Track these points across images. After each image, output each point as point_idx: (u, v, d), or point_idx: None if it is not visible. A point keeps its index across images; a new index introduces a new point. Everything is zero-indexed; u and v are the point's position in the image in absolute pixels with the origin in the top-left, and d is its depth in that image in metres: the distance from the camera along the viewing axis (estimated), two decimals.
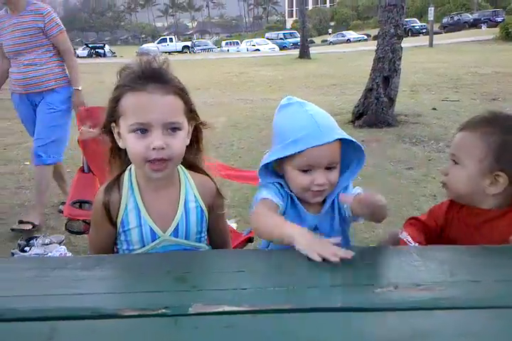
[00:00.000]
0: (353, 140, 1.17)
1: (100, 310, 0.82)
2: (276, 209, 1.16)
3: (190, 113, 1.21)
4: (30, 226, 3.25)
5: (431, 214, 1.32)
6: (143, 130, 1.12)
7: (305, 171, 1.15)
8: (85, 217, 1.92)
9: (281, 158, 1.17)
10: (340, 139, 1.15)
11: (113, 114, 1.17)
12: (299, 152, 1.12)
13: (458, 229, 1.24)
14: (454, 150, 1.23)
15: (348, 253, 0.91)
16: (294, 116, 1.17)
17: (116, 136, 1.20)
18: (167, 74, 1.16)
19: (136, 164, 1.19)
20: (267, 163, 1.21)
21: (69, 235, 2.92)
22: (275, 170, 1.23)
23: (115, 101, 1.16)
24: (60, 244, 2.95)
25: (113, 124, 1.19)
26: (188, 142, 1.22)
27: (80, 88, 3.43)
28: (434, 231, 1.29)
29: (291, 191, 1.22)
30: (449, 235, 1.26)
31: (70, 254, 2.80)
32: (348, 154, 1.21)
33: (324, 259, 0.92)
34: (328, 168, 1.15)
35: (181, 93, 1.17)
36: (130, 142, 1.14)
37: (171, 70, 1.19)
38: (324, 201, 1.23)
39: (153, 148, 1.11)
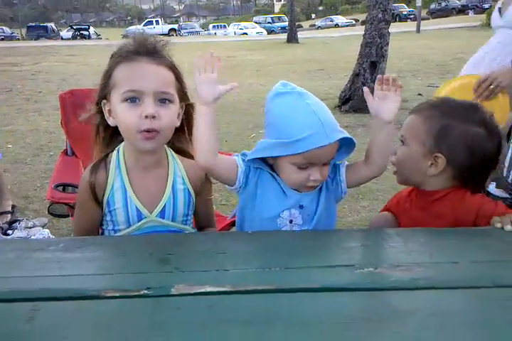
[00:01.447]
0: (353, 139, 1.13)
1: (82, 291, 0.82)
2: (231, 167, 1.14)
3: (181, 92, 1.22)
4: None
5: (392, 201, 1.39)
6: (134, 99, 1.12)
7: (302, 168, 1.11)
8: (69, 200, 1.90)
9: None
10: None
11: (105, 89, 1.18)
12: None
13: (410, 212, 1.27)
14: (402, 131, 1.28)
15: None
16: (296, 111, 1.10)
17: (106, 114, 1.19)
18: (157, 47, 1.18)
19: (128, 135, 1.17)
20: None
21: (52, 218, 2.90)
22: (267, 160, 1.17)
23: (108, 74, 1.17)
24: (43, 227, 2.92)
25: (104, 101, 1.19)
26: (178, 123, 1.22)
27: None
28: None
29: (273, 170, 1.17)
30: (404, 219, 1.29)
31: (54, 237, 2.79)
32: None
33: None
34: (324, 164, 1.13)
35: (174, 69, 1.19)
36: (121, 112, 1.13)
37: (167, 50, 1.21)
38: None
39: (146, 116, 1.11)
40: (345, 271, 0.88)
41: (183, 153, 1.31)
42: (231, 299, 0.80)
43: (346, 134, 1.11)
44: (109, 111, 1.19)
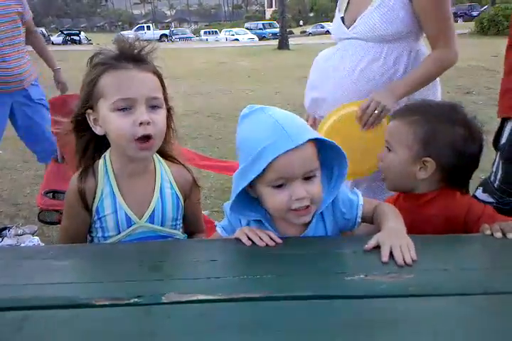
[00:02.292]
0: (328, 140, 1.01)
1: (72, 299, 0.82)
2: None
3: (164, 96, 1.21)
4: None
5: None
6: (125, 108, 1.11)
7: (279, 186, 0.99)
8: (59, 207, 1.89)
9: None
10: (315, 143, 1.00)
11: (89, 99, 1.16)
12: (268, 164, 0.95)
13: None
14: (387, 137, 1.29)
15: (273, 242, 1.00)
16: (258, 125, 1.00)
17: (91, 123, 1.18)
18: (141, 53, 1.17)
19: (122, 143, 1.14)
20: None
21: (42, 226, 2.88)
22: (248, 192, 1.06)
23: (92, 84, 1.14)
24: (33, 234, 2.91)
25: (89, 111, 1.17)
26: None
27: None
28: None
29: (268, 213, 1.10)
30: None
31: (44, 245, 2.77)
32: (329, 161, 1.07)
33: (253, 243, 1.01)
34: (307, 179, 0.99)
35: (158, 74, 1.19)
36: (114, 121, 1.12)
37: (152, 56, 1.19)
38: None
39: (140, 123, 1.10)
40: (336, 278, 0.88)
41: (167, 156, 1.31)
42: (222, 307, 0.80)
43: (316, 135, 0.99)
44: (95, 120, 1.17)
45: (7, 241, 2.78)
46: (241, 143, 1.04)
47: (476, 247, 1.03)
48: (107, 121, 1.13)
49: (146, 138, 1.12)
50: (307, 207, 1.01)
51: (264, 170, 0.96)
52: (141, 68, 1.14)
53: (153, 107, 1.14)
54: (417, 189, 1.27)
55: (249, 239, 1.02)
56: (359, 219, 1.14)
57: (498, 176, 1.47)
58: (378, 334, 0.72)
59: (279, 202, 1.00)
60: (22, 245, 2.74)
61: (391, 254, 0.93)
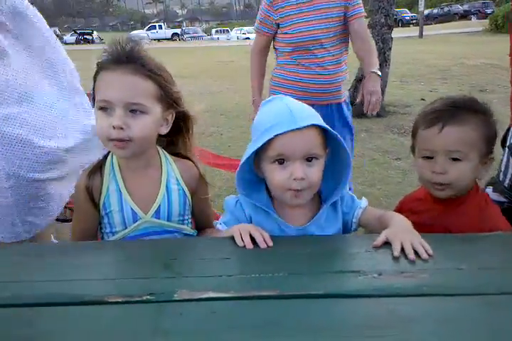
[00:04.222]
0: (330, 129, 1.06)
1: (84, 296, 0.82)
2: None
3: (168, 99, 1.20)
4: None
5: (402, 207, 1.35)
6: (106, 108, 1.14)
7: (281, 163, 1.05)
8: (71, 205, 1.90)
9: (259, 156, 1.08)
10: (323, 132, 1.06)
11: (94, 94, 1.19)
12: (270, 140, 1.02)
13: (428, 218, 1.24)
14: (457, 147, 1.17)
15: (266, 243, 1.00)
16: (270, 110, 1.09)
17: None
18: (137, 55, 1.16)
19: (102, 141, 1.19)
20: (248, 169, 1.13)
21: (55, 223, 2.89)
22: (256, 172, 1.14)
23: (94, 81, 1.18)
24: None
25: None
26: (163, 131, 1.23)
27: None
28: None
29: (271, 197, 1.15)
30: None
31: (57, 242, 2.79)
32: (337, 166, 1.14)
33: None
34: (308, 161, 1.05)
35: (153, 75, 1.16)
36: (97, 120, 1.17)
37: (145, 53, 1.18)
38: (312, 211, 1.15)
39: (113, 127, 1.12)
40: (349, 278, 0.87)
41: (178, 155, 1.33)
42: (234, 305, 0.80)
43: (320, 122, 1.04)
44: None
45: None
46: (254, 125, 1.11)
47: (491, 246, 1.02)
48: (95, 117, 1.18)
49: (120, 140, 1.14)
50: (301, 191, 1.06)
51: (268, 147, 1.04)
52: (131, 71, 1.13)
53: (134, 112, 1.14)
54: (469, 188, 1.24)
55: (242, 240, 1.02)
56: (355, 220, 1.17)
57: (508, 175, 1.46)
58: (391, 334, 0.71)
59: (279, 179, 1.06)
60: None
61: (402, 250, 0.92)
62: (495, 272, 0.89)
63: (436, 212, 1.23)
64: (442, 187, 1.19)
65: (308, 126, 1.02)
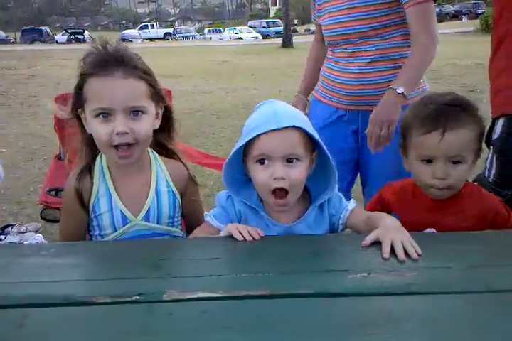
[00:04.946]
0: (311, 132, 1.06)
1: (73, 297, 0.81)
2: (216, 233, 1.13)
3: (157, 95, 1.21)
4: None
5: (391, 191, 1.34)
6: (105, 114, 1.12)
7: (262, 163, 1.06)
8: (61, 205, 1.89)
9: (246, 156, 1.11)
10: (308, 137, 1.07)
11: (78, 100, 1.18)
12: (254, 140, 1.05)
13: (415, 213, 1.24)
14: (458, 151, 1.16)
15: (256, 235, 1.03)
16: (259, 113, 1.11)
17: (84, 121, 1.20)
18: (126, 57, 1.16)
19: (102, 149, 1.19)
20: (238, 168, 1.14)
21: (45, 223, 2.88)
22: (246, 172, 1.15)
23: (79, 87, 1.16)
24: (36, 232, 2.91)
25: (80, 110, 1.20)
26: (157, 126, 1.23)
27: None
28: (384, 207, 1.32)
29: (260, 200, 1.16)
30: (405, 217, 1.28)
31: (47, 243, 2.77)
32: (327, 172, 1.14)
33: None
34: (289, 162, 1.06)
35: (144, 76, 1.17)
36: (95, 127, 1.15)
37: (130, 53, 1.18)
38: (302, 209, 1.16)
39: (117, 133, 1.11)
40: (338, 276, 0.87)
41: (167, 151, 1.32)
42: (224, 305, 0.80)
43: (301, 125, 1.05)
44: (86, 119, 1.19)
45: (10, 238, 2.78)
46: (244, 127, 1.13)
47: (479, 245, 1.02)
48: (90, 125, 1.16)
49: (124, 145, 1.13)
50: (286, 193, 1.07)
51: (252, 147, 1.07)
52: (124, 74, 1.13)
53: (136, 114, 1.14)
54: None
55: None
56: (342, 221, 1.17)
57: (493, 171, 1.49)
58: (381, 332, 0.71)
59: (260, 178, 1.08)
60: (25, 243, 2.75)
61: (392, 250, 0.93)
62: (483, 270, 0.90)
63: (434, 212, 1.24)
64: (442, 190, 1.19)
65: (289, 127, 1.04)
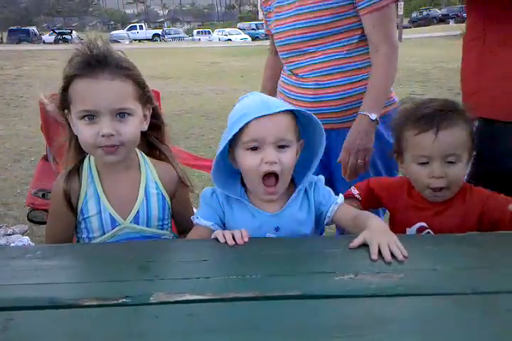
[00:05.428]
0: (303, 110, 1.10)
1: (59, 299, 0.81)
2: (208, 233, 1.14)
3: (144, 97, 1.20)
4: None
5: (382, 185, 1.35)
6: (91, 116, 1.11)
7: (253, 149, 1.07)
8: (48, 207, 1.87)
9: (233, 145, 1.11)
10: (296, 119, 1.11)
11: (64, 102, 1.16)
12: (244, 127, 1.05)
13: (411, 212, 1.26)
14: (453, 150, 1.17)
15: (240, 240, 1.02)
16: (245, 101, 1.13)
17: (71, 122, 1.19)
18: (112, 59, 1.14)
19: (89, 151, 1.18)
20: (223, 162, 1.15)
21: (32, 225, 2.85)
22: (231, 163, 1.16)
23: (64, 88, 1.15)
24: (23, 234, 2.88)
25: (66, 111, 1.18)
26: (145, 128, 1.22)
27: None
28: (374, 200, 1.34)
29: (244, 191, 1.17)
30: (398, 216, 1.29)
31: (33, 245, 2.74)
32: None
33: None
34: (280, 148, 1.07)
35: (131, 76, 1.16)
36: (80, 129, 1.14)
37: (116, 53, 1.17)
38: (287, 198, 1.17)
39: (102, 135, 1.11)
40: (326, 278, 0.87)
41: (157, 152, 1.31)
42: (211, 307, 0.80)
43: (293, 107, 1.11)
44: (72, 119, 1.17)
45: None
46: (228, 118, 1.13)
47: (464, 247, 1.03)
48: (75, 127, 1.16)
49: (110, 146, 1.12)
50: (276, 179, 1.08)
51: (241, 134, 1.06)
52: (110, 76, 1.11)
53: (122, 116, 1.13)
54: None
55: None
56: (329, 214, 1.17)
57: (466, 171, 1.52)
58: (368, 334, 0.72)
59: (250, 164, 1.08)
60: (12, 245, 2.72)
61: (379, 252, 0.94)
62: (469, 272, 0.91)
63: (429, 212, 1.25)
64: (441, 192, 1.21)
65: (280, 112, 1.06)
